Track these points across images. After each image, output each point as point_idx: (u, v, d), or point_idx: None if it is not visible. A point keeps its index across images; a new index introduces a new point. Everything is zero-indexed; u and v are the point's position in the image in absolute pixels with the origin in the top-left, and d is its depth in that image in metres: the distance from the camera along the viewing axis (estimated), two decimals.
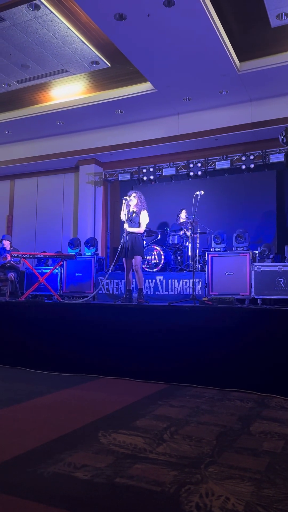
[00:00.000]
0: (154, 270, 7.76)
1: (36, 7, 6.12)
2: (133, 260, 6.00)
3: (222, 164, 9.04)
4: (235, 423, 2.79)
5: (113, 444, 2.36)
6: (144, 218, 6.09)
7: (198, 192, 6.14)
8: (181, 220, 8.03)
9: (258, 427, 2.72)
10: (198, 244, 7.93)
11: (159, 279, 7.59)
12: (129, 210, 6.06)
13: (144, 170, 9.72)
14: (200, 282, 7.34)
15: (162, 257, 7.75)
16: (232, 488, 1.83)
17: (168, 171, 9.55)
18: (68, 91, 8.73)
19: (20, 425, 2.73)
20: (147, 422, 2.77)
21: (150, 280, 7.61)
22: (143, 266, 7.11)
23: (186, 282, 7.34)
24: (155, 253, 7.82)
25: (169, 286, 7.50)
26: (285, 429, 2.69)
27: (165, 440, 2.43)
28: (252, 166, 8.73)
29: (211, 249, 7.67)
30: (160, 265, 7.74)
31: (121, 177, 9.98)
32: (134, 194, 6.14)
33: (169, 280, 7.50)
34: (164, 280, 7.54)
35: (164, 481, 1.89)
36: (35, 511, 1.64)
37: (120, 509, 1.67)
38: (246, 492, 1.80)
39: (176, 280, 7.45)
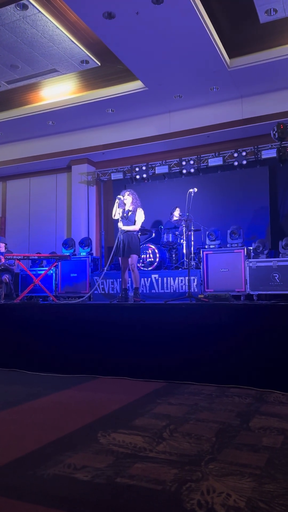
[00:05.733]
0: (149, 268, 7.75)
1: (24, 7, 6.08)
2: (130, 259, 5.99)
3: (215, 161, 9.04)
4: (234, 420, 2.79)
5: (112, 444, 2.35)
6: (140, 216, 6.08)
7: (191, 190, 6.12)
8: (175, 218, 8.03)
9: (257, 423, 2.72)
10: (192, 242, 7.91)
11: (155, 278, 7.58)
12: (124, 209, 6.05)
13: (137, 169, 9.69)
14: (195, 280, 7.34)
15: (157, 255, 7.74)
16: (233, 485, 1.83)
17: (161, 169, 9.53)
18: (58, 91, 8.69)
19: (19, 427, 2.71)
20: (146, 421, 2.77)
21: (145, 279, 7.61)
22: (137, 265, 7.11)
23: (181, 280, 7.34)
24: (150, 251, 7.81)
25: (165, 284, 7.49)
26: (284, 424, 2.69)
27: (165, 439, 2.43)
28: (244, 162, 8.74)
29: (206, 246, 7.67)
30: (155, 263, 7.73)
31: (114, 176, 9.96)
32: (128, 193, 6.13)
33: (165, 278, 7.50)
34: (160, 278, 7.54)
35: (165, 479, 1.89)
36: None
37: (121, 509, 1.66)
38: (247, 488, 1.80)
39: (171, 278, 7.45)
